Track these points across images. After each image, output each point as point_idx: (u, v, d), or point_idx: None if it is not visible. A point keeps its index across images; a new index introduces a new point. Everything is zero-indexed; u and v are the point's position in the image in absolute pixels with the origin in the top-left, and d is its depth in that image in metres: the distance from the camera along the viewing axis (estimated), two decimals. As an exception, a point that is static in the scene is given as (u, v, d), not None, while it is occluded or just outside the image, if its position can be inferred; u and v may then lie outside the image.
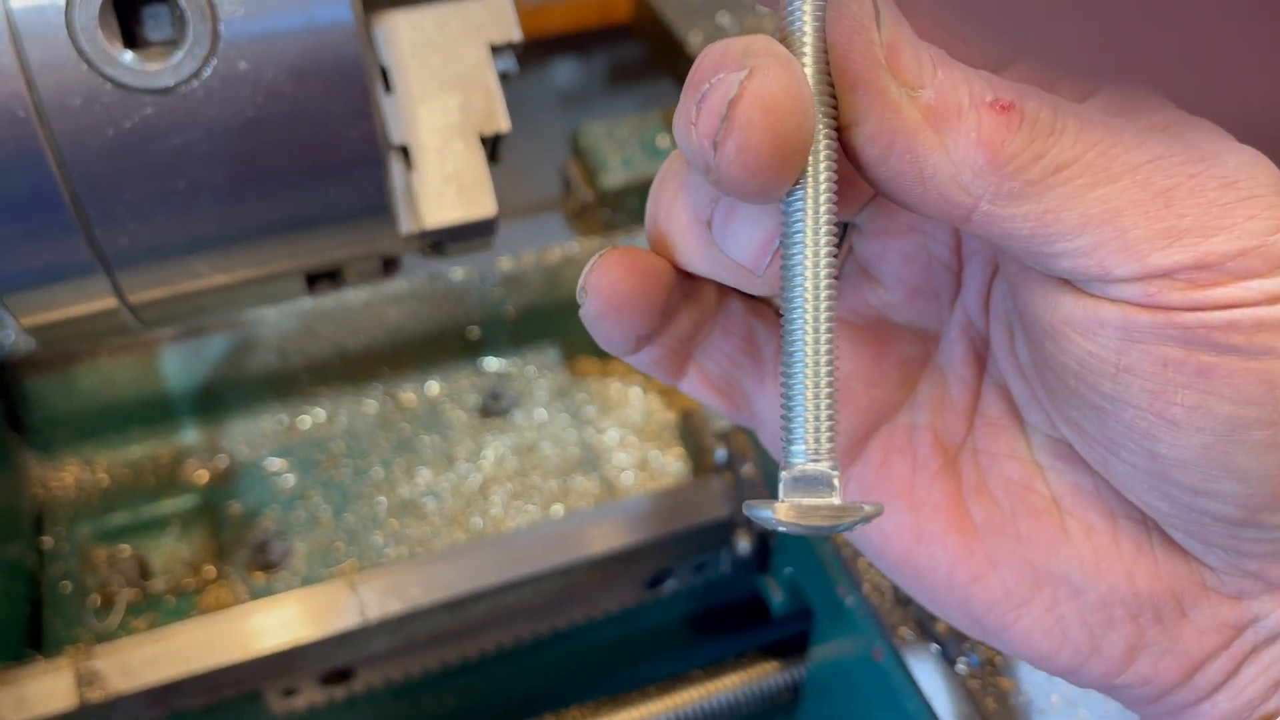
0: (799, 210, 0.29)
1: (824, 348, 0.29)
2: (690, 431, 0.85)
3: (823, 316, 0.29)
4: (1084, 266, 0.28)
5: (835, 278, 0.29)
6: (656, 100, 1.18)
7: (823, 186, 0.28)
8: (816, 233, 0.29)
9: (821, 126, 0.28)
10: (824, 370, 0.29)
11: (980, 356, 0.36)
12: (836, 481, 0.29)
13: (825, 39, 0.28)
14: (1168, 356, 0.28)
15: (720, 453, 0.77)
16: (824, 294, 0.29)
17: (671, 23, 1.00)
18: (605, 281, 0.32)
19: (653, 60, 1.10)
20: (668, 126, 1.01)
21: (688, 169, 0.32)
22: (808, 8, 0.28)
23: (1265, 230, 0.27)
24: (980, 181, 0.27)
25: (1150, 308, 0.27)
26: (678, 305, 0.34)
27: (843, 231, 0.36)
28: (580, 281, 0.33)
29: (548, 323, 0.99)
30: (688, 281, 0.34)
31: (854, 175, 0.30)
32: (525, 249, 0.97)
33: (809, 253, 0.29)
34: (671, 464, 0.93)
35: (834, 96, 0.28)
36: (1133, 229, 0.27)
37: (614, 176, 0.96)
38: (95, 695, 0.66)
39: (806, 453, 0.29)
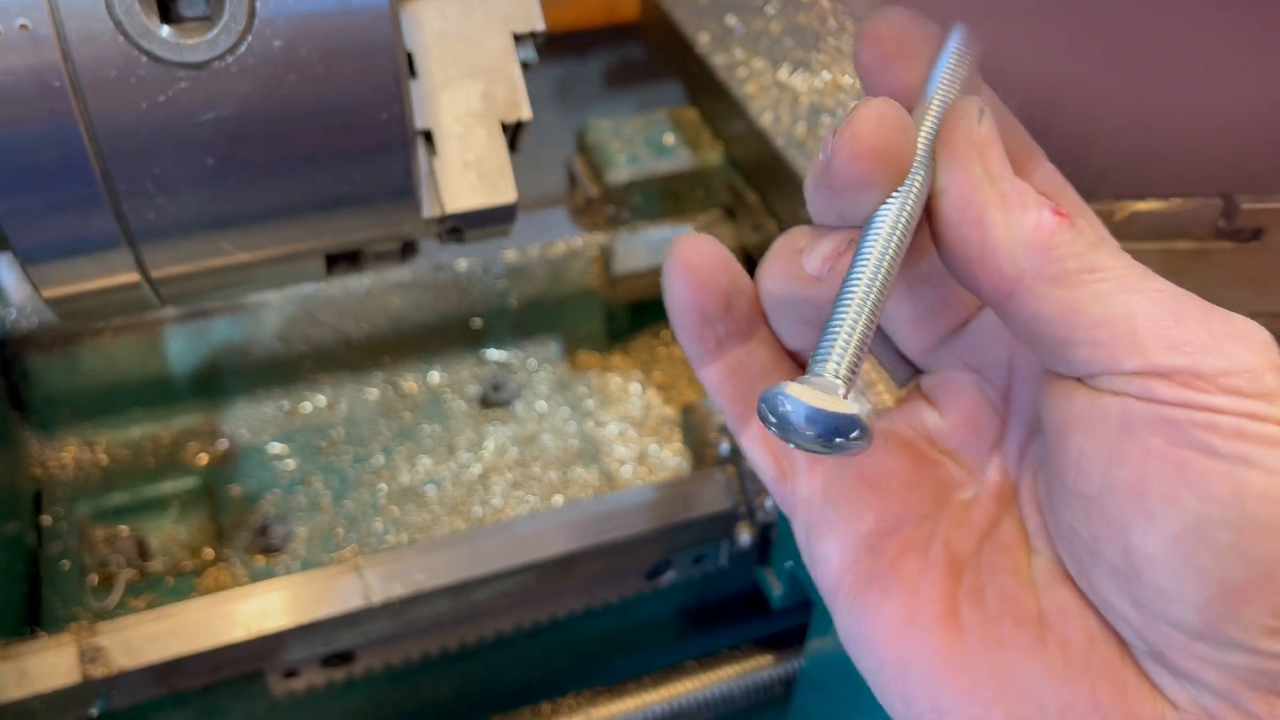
0: (880, 221, 0.34)
1: (875, 295, 0.33)
2: (692, 425, 0.85)
3: (880, 276, 0.33)
4: (1097, 356, 0.32)
5: (892, 273, 0.34)
6: (663, 99, 1.19)
7: (905, 215, 0.34)
8: (891, 235, 0.34)
9: (919, 174, 0.34)
10: (868, 313, 0.33)
11: (1005, 496, 0.40)
12: (845, 393, 0.32)
13: (940, 124, 0.35)
14: (1152, 447, 0.31)
15: (724, 446, 0.77)
16: (885, 267, 0.33)
17: (680, 23, 1.01)
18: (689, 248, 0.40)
19: (659, 60, 1.11)
20: (674, 125, 1.01)
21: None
22: (935, 105, 0.35)
23: (1256, 364, 0.31)
24: (1029, 259, 0.33)
25: (1145, 400, 0.31)
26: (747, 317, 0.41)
27: (913, 374, 0.42)
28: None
29: (550, 315, 1.00)
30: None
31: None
32: (530, 242, 0.97)
33: (881, 242, 0.34)
34: (670, 458, 0.93)
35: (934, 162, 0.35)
36: (1144, 332, 0.32)
37: (620, 173, 0.96)
38: (98, 671, 0.66)
39: (827, 369, 0.33)
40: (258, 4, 0.46)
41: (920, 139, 0.34)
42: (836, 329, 0.33)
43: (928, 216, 0.35)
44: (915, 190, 0.34)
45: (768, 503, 0.74)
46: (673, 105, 1.06)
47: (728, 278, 0.40)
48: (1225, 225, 0.60)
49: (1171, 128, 0.56)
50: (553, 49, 1.45)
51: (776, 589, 0.77)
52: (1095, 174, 0.57)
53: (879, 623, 0.39)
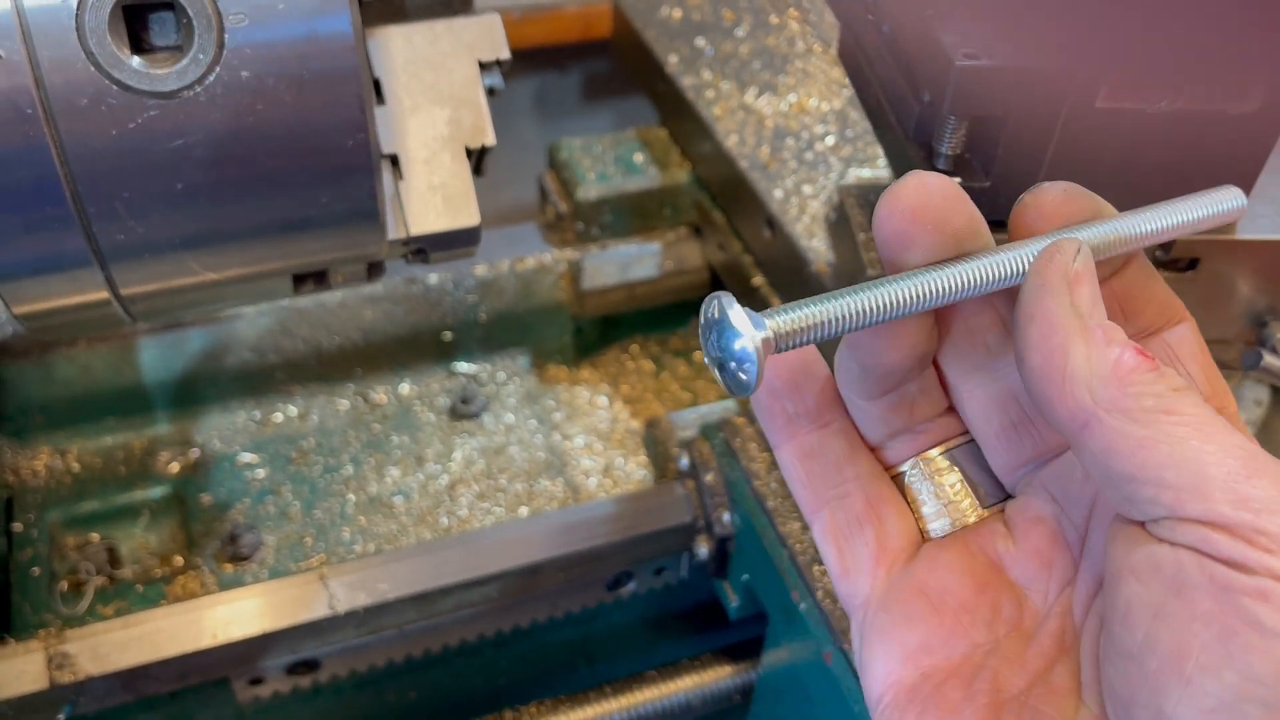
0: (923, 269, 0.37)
1: (862, 302, 0.36)
2: (655, 439, 0.87)
3: (880, 294, 0.36)
4: (1161, 497, 0.32)
5: (900, 305, 0.36)
6: (637, 114, 1.21)
7: (948, 272, 0.36)
8: (917, 276, 0.36)
9: (987, 259, 0.37)
10: (841, 305, 0.35)
11: (1066, 641, 0.39)
12: (762, 339, 0.34)
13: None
14: (1199, 611, 0.31)
15: (683, 460, 0.79)
16: (890, 292, 0.36)
17: (650, 44, 1.03)
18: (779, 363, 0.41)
19: (631, 78, 1.13)
20: (644, 144, 1.04)
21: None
22: (1044, 238, 0.38)
23: None
24: (1106, 392, 0.33)
25: (1201, 554, 0.31)
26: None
27: (1002, 497, 0.42)
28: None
29: (520, 329, 1.02)
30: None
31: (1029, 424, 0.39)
32: (501, 257, 0.99)
33: (904, 277, 0.36)
34: (636, 470, 0.95)
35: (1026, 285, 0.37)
36: (1212, 481, 0.31)
37: (590, 190, 0.98)
38: (65, 677, 0.67)
39: (771, 316, 0.35)
40: (226, 35, 0.48)
41: (1013, 251, 0.37)
42: (807, 302, 0.35)
43: (1017, 342, 0.36)
44: (972, 265, 0.36)
45: (725, 516, 0.76)
46: (647, 120, 1.08)
47: (797, 358, 0.41)
48: (1163, 255, 0.62)
49: (1110, 152, 0.58)
50: (530, 63, 1.47)
51: (733, 601, 0.79)
52: (1036, 205, 0.59)
53: None
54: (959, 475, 0.42)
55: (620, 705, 0.84)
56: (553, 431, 0.98)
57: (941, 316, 0.40)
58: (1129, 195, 0.60)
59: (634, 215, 1.01)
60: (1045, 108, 0.54)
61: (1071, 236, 0.37)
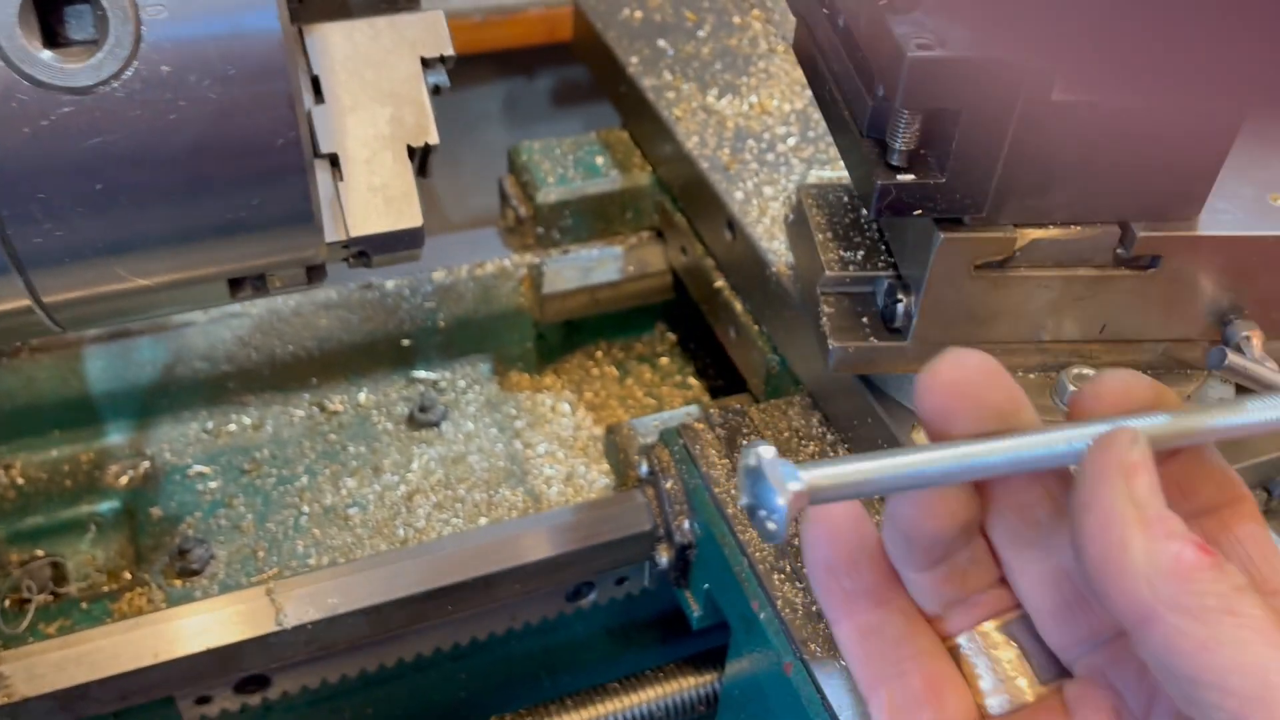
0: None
1: (902, 467, 0.36)
2: (615, 445, 0.85)
3: (920, 462, 0.36)
4: (1225, 704, 0.31)
5: (942, 476, 0.37)
6: (600, 121, 1.19)
7: (992, 445, 0.37)
8: (958, 447, 0.37)
9: (1033, 438, 0.37)
10: (879, 466, 0.36)
11: None
12: (794, 490, 0.35)
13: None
14: None
15: (643, 467, 0.78)
16: (933, 461, 0.36)
17: (611, 45, 1.02)
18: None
19: (593, 79, 1.11)
20: (605, 146, 1.02)
21: None
22: (1103, 425, 0.37)
23: None
24: (1166, 588, 0.33)
25: None
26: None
27: (1058, 674, 0.41)
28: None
29: (480, 335, 1.00)
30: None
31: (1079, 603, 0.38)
32: (459, 261, 0.97)
33: (945, 446, 0.37)
34: (598, 479, 0.93)
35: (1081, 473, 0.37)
36: (1277, 691, 0.30)
37: (550, 193, 0.97)
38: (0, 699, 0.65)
39: (807, 468, 0.35)
40: (144, 28, 0.46)
41: (1064, 431, 0.37)
42: (846, 459, 0.36)
43: (1075, 530, 0.36)
44: (1018, 441, 0.36)
45: (685, 524, 0.74)
46: (607, 125, 1.07)
47: (854, 535, 0.41)
48: (1123, 253, 0.61)
49: (1067, 147, 0.57)
50: (494, 66, 1.45)
51: (695, 610, 0.77)
52: (993, 201, 0.57)
53: None
54: (1015, 650, 0.41)
55: (583, 717, 0.82)
56: (514, 439, 0.96)
57: (986, 488, 0.40)
58: (1087, 190, 0.59)
59: (595, 218, 0.99)
60: (1000, 100, 0.52)
61: (1130, 425, 0.37)
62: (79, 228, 0.49)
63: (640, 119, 0.99)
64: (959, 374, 0.38)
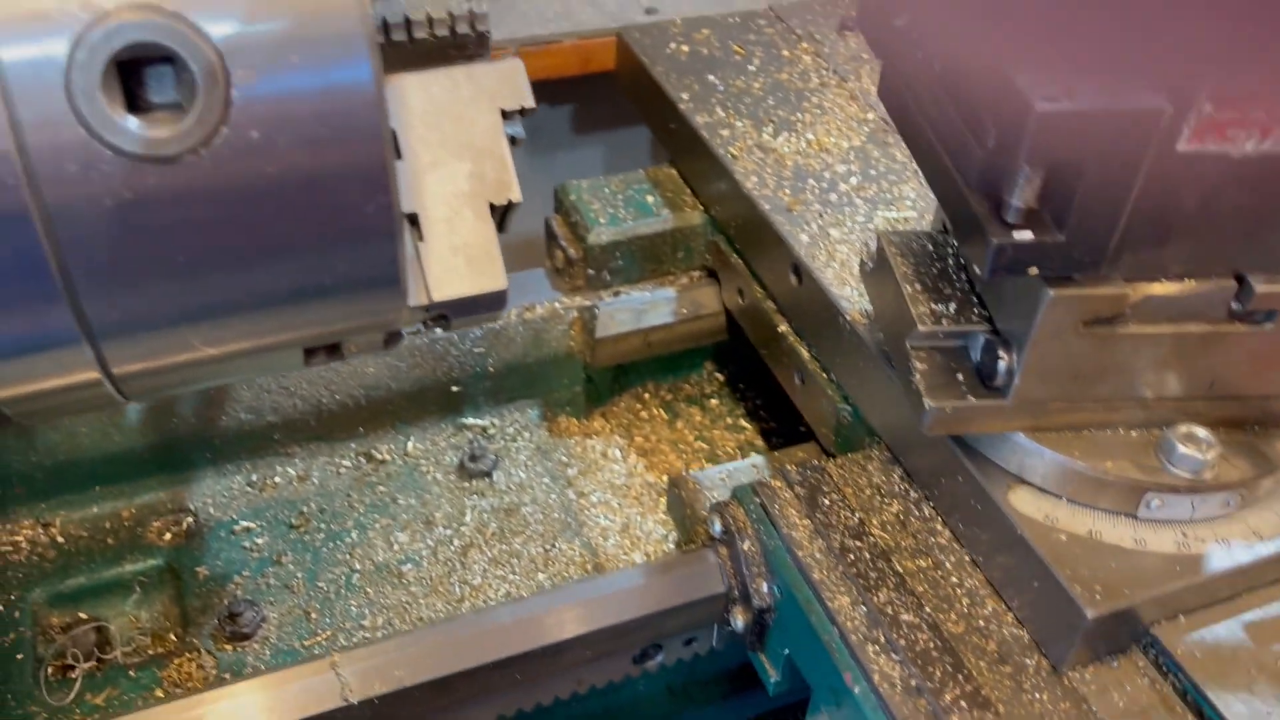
0: None
1: None
2: (681, 500, 0.82)
3: None
4: None
5: None
6: (633, 151, 1.16)
7: None
8: None
9: None
10: None
11: None
12: None
13: None
14: None
15: (715, 524, 0.74)
16: None
17: (660, 79, 0.99)
18: None
19: (633, 111, 1.08)
20: (655, 185, 0.99)
21: None
22: None
23: None
24: None
25: None
26: None
27: None
28: None
29: (529, 380, 0.97)
30: None
31: None
32: (509, 305, 0.94)
33: None
34: (655, 529, 0.90)
35: None
36: None
37: (602, 234, 0.94)
38: (53, 785, 0.62)
39: None
40: (234, 91, 0.43)
41: None
42: None
43: None
44: None
45: (764, 586, 0.71)
46: (645, 153, 1.04)
47: None
48: (1239, 307, 0.58)
49: (1190, 199, 0.54)
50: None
51: (773, 676, 0.73)
52: (1111, 255, 0.54)
53: None
54: None
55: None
56: (567, 488, 0.93)
57: None
58: (1205, 242, 0.56)
59: (646, 259, 0.96)
60: (1129, 153, 0.49)
61: None
62: (157, 299, 0.46)
63: (692, 156, 0.96)
64: None
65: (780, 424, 1.01)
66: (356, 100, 0.45)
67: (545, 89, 1.39)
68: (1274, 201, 0.54)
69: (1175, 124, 0.50)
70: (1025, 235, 0.52)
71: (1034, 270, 0.53)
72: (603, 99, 1.38)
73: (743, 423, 1.03)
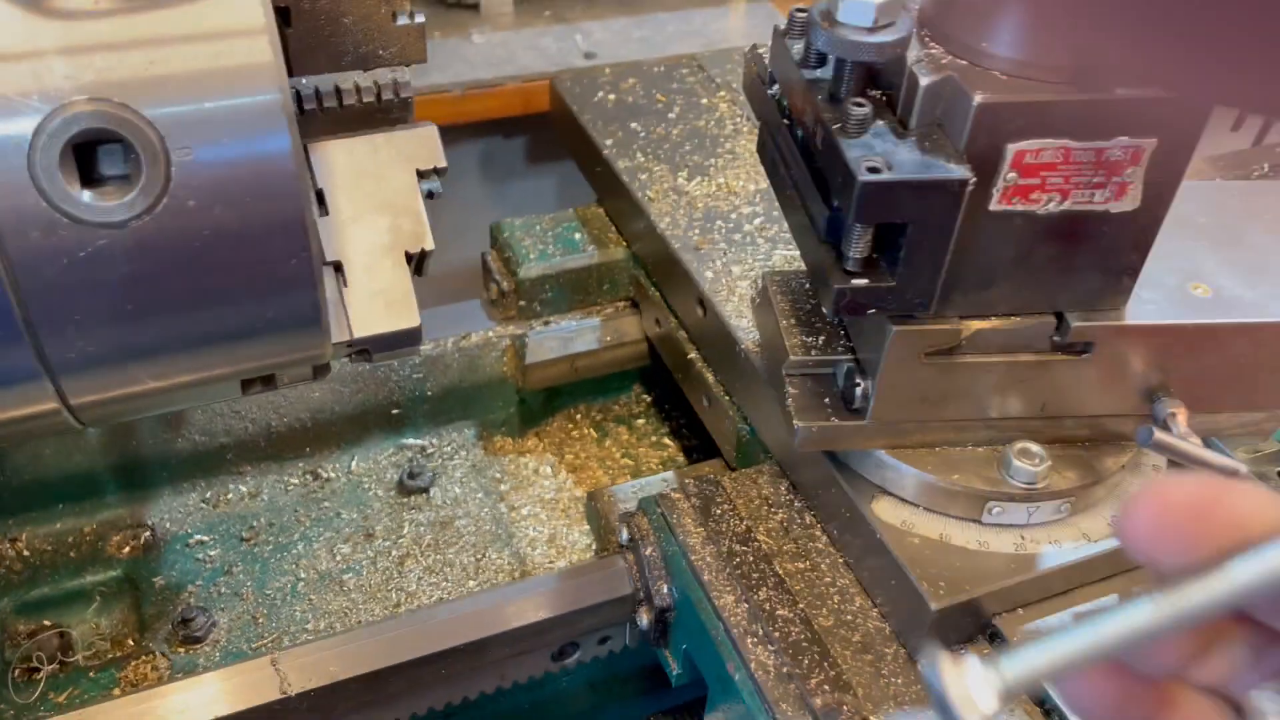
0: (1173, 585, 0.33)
1: (1109, 639, 0.33)
2: (596, 511, 0.90)
3: (1129, 626, 0.33)
4: None
5: (1155, 631, 0.33)
6: (573, 187, 1.24)
7: (1199, 591, 0.32)
8: (1169, 598, 0.33)
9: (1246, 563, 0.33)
10: (1088, 645, 0.33)
11: None
12: (988, 700, 0.33)
13: None
14: None
15: (623, 533, 0.83)
16: (1143, 622, 0.33)
17: (586, 126, 1.08)
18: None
19: (570, 155, 1.17)
20: (582, 222, 1.07)
21: None
22: None
23: None
24: None
25: None
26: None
27: None
28: None
29: (465, 403, 1.05)
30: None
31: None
32: (446, 334, 1.02)
33: (1156, 601, 0.33)
34: (579, 539, 0.98)
35: None
36: None
37: (532, 268, 1.02)
38: (19, 771, 0.69)
39: (1003, 666, 0.33)
40: (173, 169, 0.51)
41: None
42: (1053, 641, 0.33)
43: None
44: (1229, 577, 0.32)
45: (664, 588, 0.79)
46: (582, 201, 1.12)
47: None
48: (1059, 340, 0.67)
49: (1004, 250, 0.63)
50: (474, 134, 1.51)
51: (674, 669, 0.81)
52: (940, 298, 0.63)
53: None
54: None
55: (569, 772, 0.86)
56: (499, 502, 1.01)
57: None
58: (1024, 286, 0.65)
59: (574, 291, 1.04)
60: (943, 215, 0.58)
61: None
62: (109, 341, 0.54)
63: (615, 197, 1.05)
64: (1161, 513, 0.34)
65: (702, 441, 1.09)
66: (277, 169, 0.53)
67: (497, 125, 1.48)
68: (1080, 250, 0.63)
69: (983, 189, 0.58)
70: (862, 281, 0.61)
71: (872, 311, 0.62)
72: (550, 134, 1.47)
73: (666, 440, 1.11)
